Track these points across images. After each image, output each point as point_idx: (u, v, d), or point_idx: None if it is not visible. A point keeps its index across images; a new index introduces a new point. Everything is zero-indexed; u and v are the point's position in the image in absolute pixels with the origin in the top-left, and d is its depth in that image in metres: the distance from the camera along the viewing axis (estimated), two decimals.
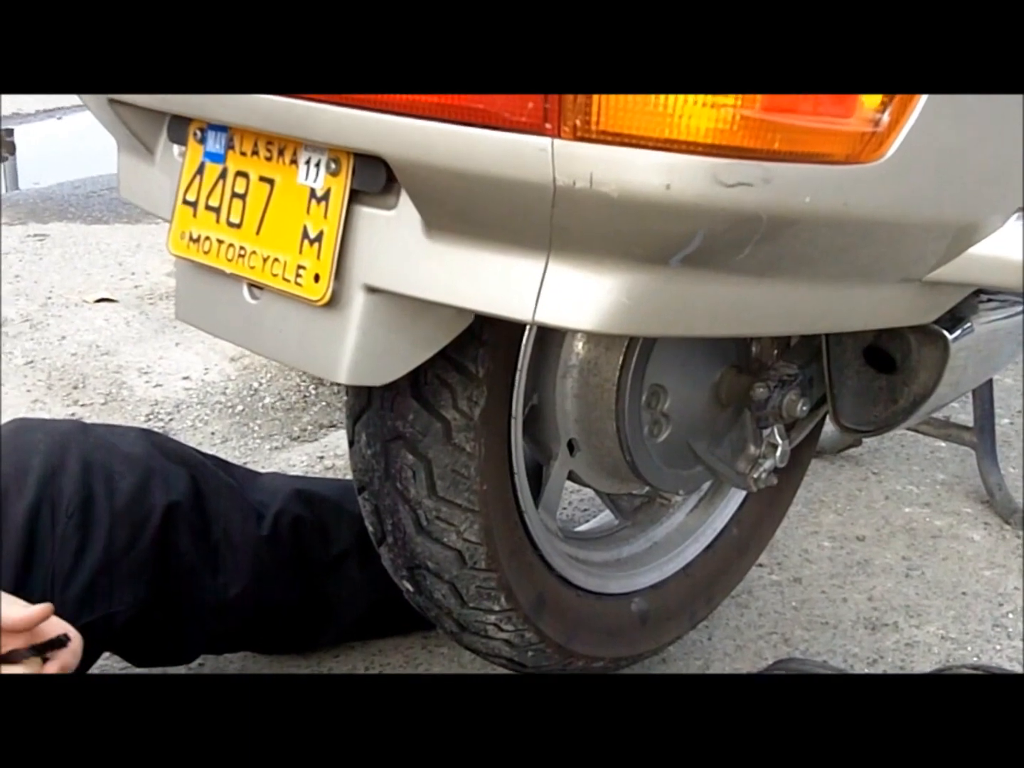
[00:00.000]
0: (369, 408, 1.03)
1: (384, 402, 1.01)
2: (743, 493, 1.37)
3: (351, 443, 1.07)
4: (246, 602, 1.20)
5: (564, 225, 0.77)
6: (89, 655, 1.16)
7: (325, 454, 1.87)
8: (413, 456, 1.01)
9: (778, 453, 1.27)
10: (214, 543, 1.18)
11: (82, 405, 2.02)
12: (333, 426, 1.98)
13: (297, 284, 0.89)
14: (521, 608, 1.08)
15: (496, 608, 1.06)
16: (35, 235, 3.10)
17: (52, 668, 0.93)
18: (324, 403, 2.06)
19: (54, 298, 2.57)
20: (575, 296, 0.80)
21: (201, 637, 1.21)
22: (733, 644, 1.40)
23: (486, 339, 0.98)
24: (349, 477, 1.52)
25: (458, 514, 1.02)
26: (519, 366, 1.04)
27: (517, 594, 1.07)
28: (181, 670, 1.27)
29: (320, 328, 0.88)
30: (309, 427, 1.98)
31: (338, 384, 1.01)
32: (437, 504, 1.02)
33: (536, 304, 0.81)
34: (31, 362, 2.22)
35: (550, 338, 1.12)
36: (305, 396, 2.09)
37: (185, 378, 2.15)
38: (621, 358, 1.12)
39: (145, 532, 1.13)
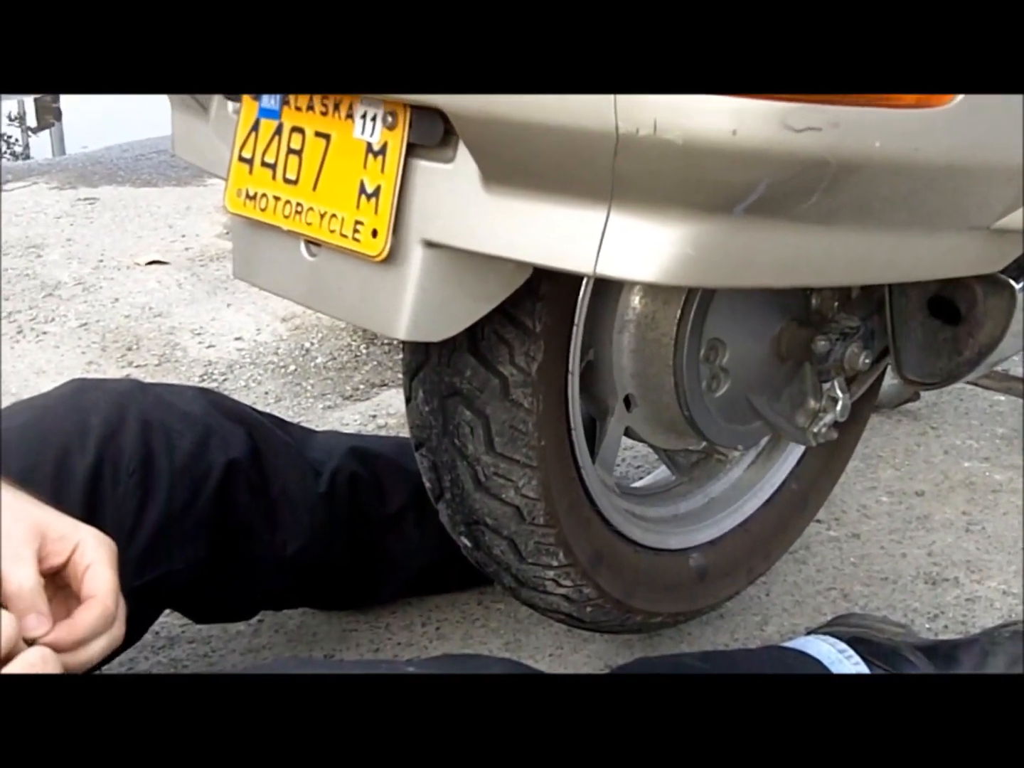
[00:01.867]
0: (426, 364, 1.02)
1: (441, 358, 1.01)
2: (802, 448, 1.36)
3: (408, 400, 1.07)
4: (304, 559, 1.20)
5: (626, 174, 0.75)
6: (150, 613, 1.18)
7: (378, 413, 1.87)
8: (471, 412, 1.00)
9: (838, 407, 1.25)
10: (272, 500, 1.19)
11: (136, 366, 2.04)
12: (385, 385, 1.98)
13: (355, 240, 0.88)
14: (579, 564, 1.08)
15: (554, 564, 1.06)
16: (85, 199, 3.12)
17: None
18: (375, 362, 2.07)
19: (106, 261, 2.59)
20: (637, 247, 0.79)
21: (260, 593, 1.22)
22: (791, 600, 1.39)
23: (543, 294, 0.97)
24: (403, 435, 1.52)
25: (516, 470, 1.01)
26: (576, 321, 1.03)
27: (575, 550, 1.07)
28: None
29: (378, 284, 0.87)
30: (361, 386, 1.98)
31: (396, 340, 1.01)
32: (495, 460, 1.01)
33: (597, 256, 0.80)
34: (85, 324, 2.24)
35: (607, 292, 1.11)
36: (356, 356, 2.09)
37: (237, 339, 2.16)
38: (679, 312, 1.10)
39: (205, 490, 1.14)
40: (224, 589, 1.19)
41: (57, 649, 0.76)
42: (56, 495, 1.06)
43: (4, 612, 0.72)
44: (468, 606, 1.36)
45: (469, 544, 1.09)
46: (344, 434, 1.39)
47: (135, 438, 1.11)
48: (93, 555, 0.82)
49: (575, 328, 1.03)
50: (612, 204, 0.79)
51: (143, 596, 1.12)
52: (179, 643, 1.31)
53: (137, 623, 1.16)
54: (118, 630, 0.82)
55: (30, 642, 0.77)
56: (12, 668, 0.70)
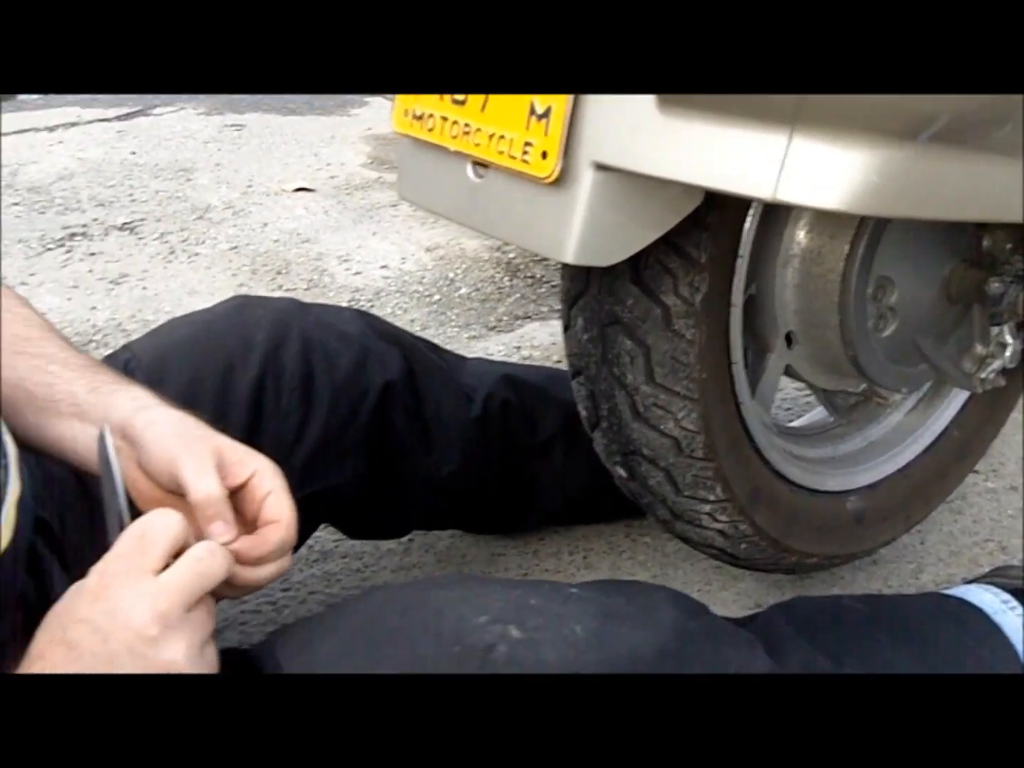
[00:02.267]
0: (586, 292, 1.01)
1: (602, 286, 1.00)
2: (965, 394, 1.31)
3: (566, 327, 1.06)
4: (456, 481, 1.22)
5: (810, 97, 0.73)
6: (307, 527, 1.21)
7: (522, 345, 1.87)
8: (631, 341, 0.99)
9: (1008, 353, 1.20)
10: (426, 422, 1.20)
11: (286, 290, 2.08)
12: (528, 318, 1.98)
13: (524, 162, 0.87)
14: (737, 499, 1.06)
15: (711, 498, 1.05)
16: (232, 125, 3.18)
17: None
18: (519, 295, 2.07)
19: (254, 186, 2.64)
20: (820, 173, 0.76)
21: (413, 513, 1.24)
22: (947, 550, 1.35)
23: (709, 223, 0.95)
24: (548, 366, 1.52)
25: (676, 401, 1.00)
26: (740, 253, 1.01)
27: (733, 485, 1.05)
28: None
29: (546, 207, 0.86)
30: (505, 318, 1.98)
31: (560, 263, 1.00)
32: (655, 391, 1.00)
33: (777, 181, 0.77)
34: (235, 248, 2.29)
35: (772, 225, 1.08)
36: (500, 288, 2.10)
37: (383, 267, 2.18)
38: (847, 247, 1.07)
39: (363, 409, 1.15)
40: (379, 507, 1.21)
41: (240, 557, 0.77)
42: (221, 408, 1.09)
43: (168, 510, 0.72)
44: (615, 537, 1.36)
45: (624, 474, 1.08)
46: (495, 361, 1.40)
47: (296, 355, 1.13)
48: (272, 484, 0.82)
49: (739, 260, 1.01)
50: (795, 128, 0.76)
51: (301, 510, 1.14)
52: (332, 557, 1.35)
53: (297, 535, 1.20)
54: (288, 562, 0.82)
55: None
56: (180, 562, 0.70)
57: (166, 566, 0.70)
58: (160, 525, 0.70)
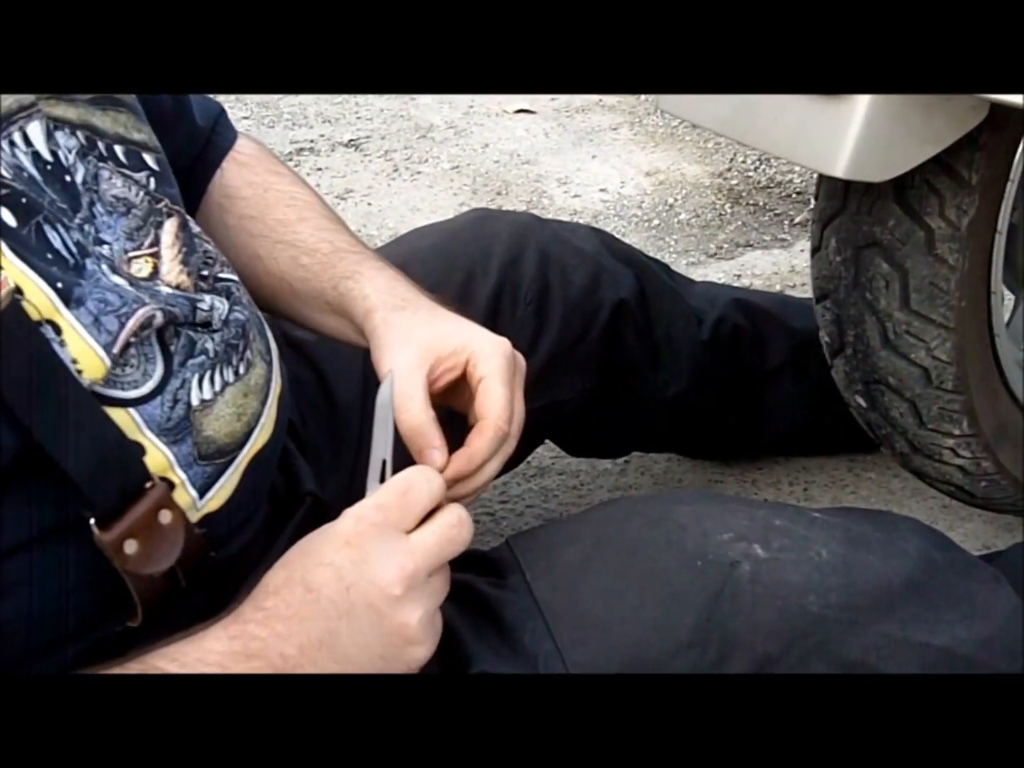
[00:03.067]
0: (843, 212, 0.98)
1: (861, 206, 0.96)
2: None
3: (815, 249, 1.03)
4: (682, 402, 1.21)
5: None
6: (532, 440, 1.22)
7: (742, 273, 1.83)
8: (888, 265, 0.95)
9: None
10: (656, 343, 1.19)
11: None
12: (749, 246, 1.94)
13: None
14: (982, 435, 1.02)
15: (956, 432, 1.01)
16: None
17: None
18: (740, 222, 2.02)
19: (476, 107, 2.65)
20: None
21: (636, 432, 1.24)
22: None
23: (985, 143, 0.90)
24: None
25: (930, 330, 0.96)
26: (1011, 177, 0.95)
27: (980, 420, 1.01)
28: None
29: (820, 119, 0.83)
30: (725, 245, 1.94)
31: (818, 182, 0.97)
32: (909, 317, 0.96)
33: None
34: (456, 167, 2.31)
35: None
36: (720, 215, 2.05)
37: (602, 190, 2.17)
38: None
39: (595, 325, 1.15)
40: (602, 425, 1.21)
41: (458, 478, 0.76)
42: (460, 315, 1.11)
43: (431, 471, 0.71)
44: (837, 471, 1.32)
45: (864, 404, 1.05)
46: (725, 285, 1.37)
47: (533, 268, 1.14)
48: (486, 368, 0.79)
49: (1010, 184, 0.95)
50: None
51: (528, 423, 1.16)
52: (549, 474, 1.36)
53: (520, 449, 1.21)
54: (510, 447, 0.80)
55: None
56: (433, 526, 0.68)
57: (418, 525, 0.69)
58: (424, 486, 0.69)
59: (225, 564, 0.76)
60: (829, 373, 1.10)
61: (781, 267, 1.78)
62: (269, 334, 0.83)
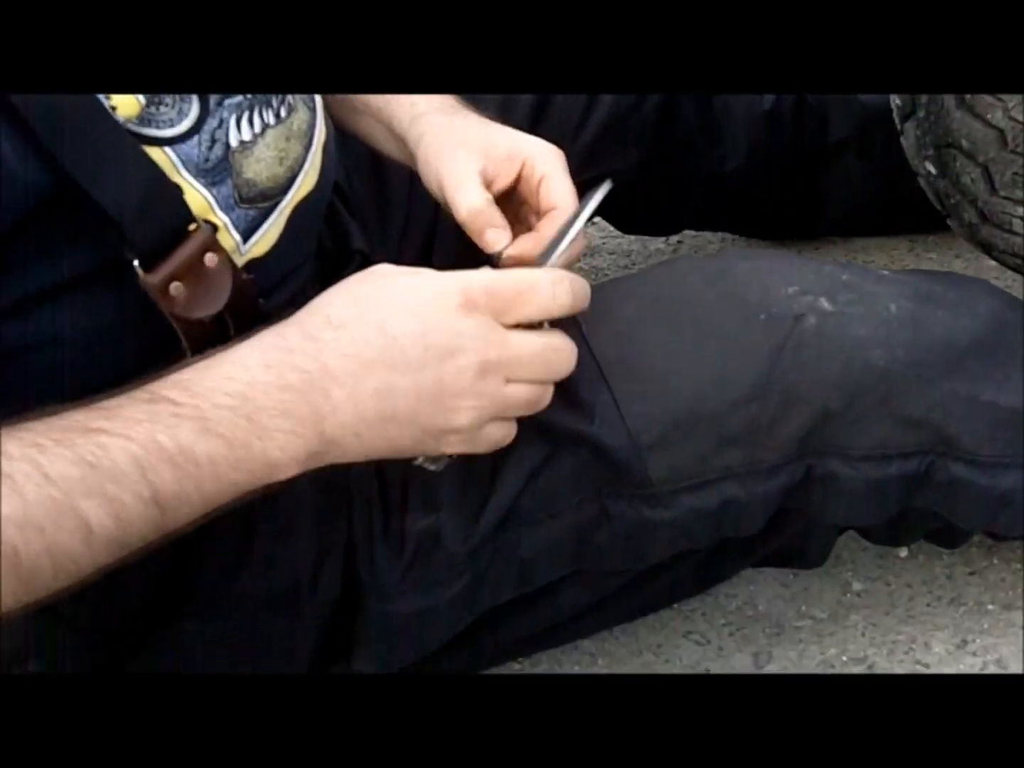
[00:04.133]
0: None
1: None
2: None
3: None
4: (740, 177, 1.17)
5: None
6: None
7: None
8: None
9: None
10: (715, 113, 1.15)
11: None
12: None
13: None
14: None
15: None
16: None
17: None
18: None
19: None
20: None
21: (689, 209, 1.21)
22: None
23: None
24: None
25: None
26: None
27: None
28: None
29: None
30: None
31: None
32: None
33: None
34: None
35: None
36: None
37: None
38: None
39: (649, 96, 1.11)
40: (656, 199, 1.18)
41: (524, 262, 0.73)
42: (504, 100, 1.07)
43: (562, 281, 0.67)
44: (897, 251, 1.28)
45: (934, 171, 1.00)
46: None
47: None
48: (545, 167, 0.77)
49: None
50: None
51: (583, 194, 1.13)
52: (600, 253, 1.34)
53: None
54: (579, 245, 0.77)
55: (497, 260, 0.75)
56: (538, 338, 0.66)
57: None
58: (547, 295, 0.66)
59: (274, 314, 0.75)
60: (894, 151, 1.05)
61: None
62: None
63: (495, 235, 0.75)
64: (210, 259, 0.66)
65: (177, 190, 0.65)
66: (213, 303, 0.66)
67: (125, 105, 0.62)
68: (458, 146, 0.78)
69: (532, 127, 1.07)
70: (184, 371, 0.61)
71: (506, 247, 0.75)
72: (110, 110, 0.61)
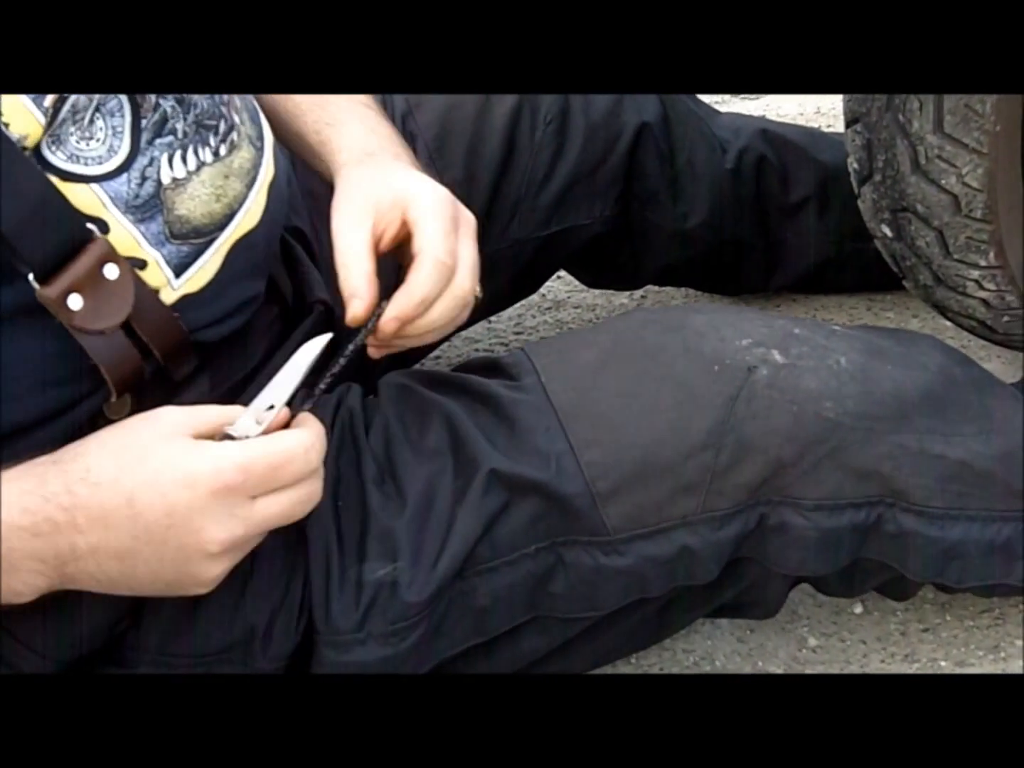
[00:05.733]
0: None
1: None
2: None
3: None
4: (701, 235, 1.19)
5: None
6: (547, 268, 1.21)
7: (767, 113, 1.78)
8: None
9: None
10: (678, 170, 1.17)
11: None
12: None
13: None
14: (1008, 268, 1.00)
15: (982, 263, 0.99)
16: None
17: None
18: None
19: None
20: None
21: (652, 264, 1.22)
22: None
23: None
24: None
25: (963, 155, 0.93)
26: None
27: (1007, 251, 0.99)
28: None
29: None
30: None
31: None
32: (941, 141, 0.93)
33: None
34: None
35: None
36: None
37: None
38: None
39: (616, 149, 1.12)
40: (620, 254, 1.20)
41: (402, 318, 0.74)
42: (475, 138, 1.08)
43: (315, 445, 0.66)
44: (856, 310, 1.31)
45: (890, 234, 1.03)
46: (752, 116, 1.33)
47: None
48: (416, 212, 0.77)
49: None
50: None
51: (545, 249, 1.15)
52: (565, 307, 1.35)
53: (534, 277, 1.20)
54: (461, 288, 0.77)
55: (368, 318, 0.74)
56: (278, 500, 0.66)
57: None
58: (300, 465, 0.65)
59: (218, 347, 0.76)
60: (853, 210, 1.08)
61: (807, 108, 1.73)
62: (264, 124, 0.82)
63: (351, 304, 0.75)
64: (111, 271, 0.67)
65: (70, 204, 0.66)
66: (114, 314, 0.68)
67: (21, 124, 0.63)
68: (350, 202, 0.79)
69: (498, 178, 1.10)
70: None
71: (362, 318, 0.75)
72: (2, 127, 0.62)
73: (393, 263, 0.81)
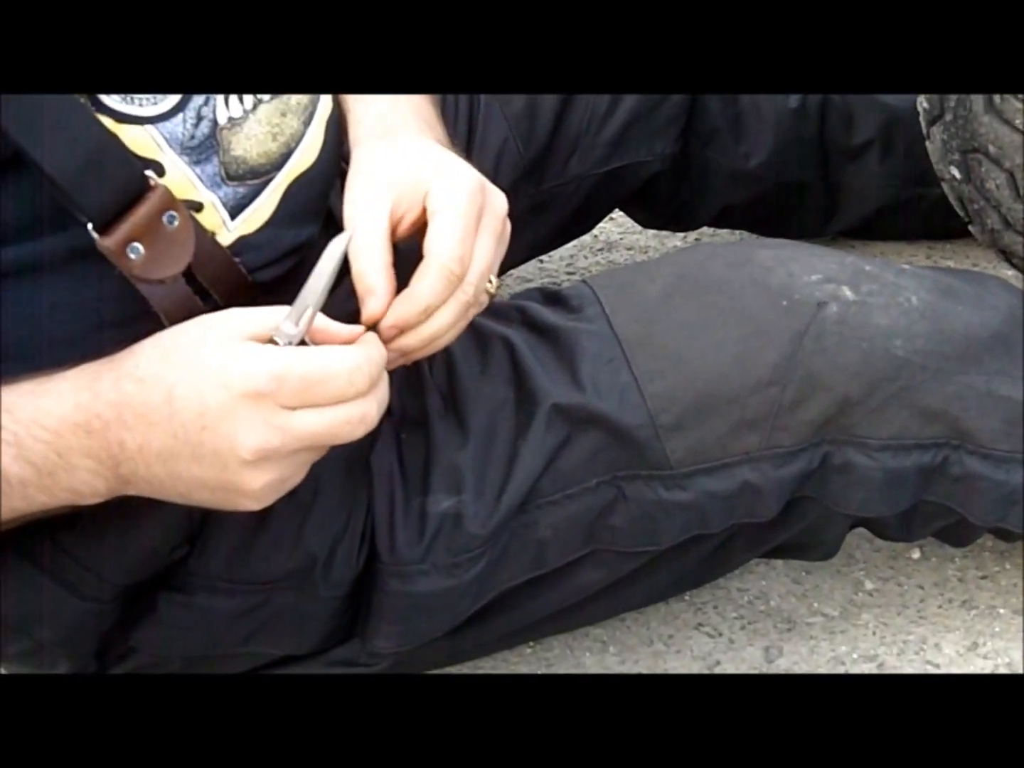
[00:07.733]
0: None
1: None
2: None
3: None
4: (763, 175, 1.17)
5: None
6: (605, 205, 1.20)
7: None
8: None
9: None
10: (741, 108, 1.15)
11: None
12: None
13: None
14: None
15: None
16: None
17: None
18: None
19: None
20: None
21: (710, 204, 1.21)
22: None
23: None
24: None
25: None
26: None
27: None
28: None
29: None
30: None
31: None
32: None
33: None
34: None
35: None
36: None
37: None
38: None
39: None
40: (679, 192, 1.19)
41: (402, 324, 0.68)
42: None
43: (362, 367, 0.62)
44: (915, 257, 1.29)
45: (959, 175, 1.01)
46: None
47: None
48: (438, 202, 0.69)
49: None
50: None
51: (603, 186, 1.14)
52: (617, 248, 1.34)
53: (589, 215, 1.19)
54: (467, 295, 0.69)
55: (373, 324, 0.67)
56: (321, 415, 0.61)
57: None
58: (341, 384, 0.61)
59: (274, 285, 0.74)
60: (916, 155, 1.06)
61: None
62: None
63: (366, 301, 0.68)
64: (171, 220, 0.66)
65: (125, 151, 0.64)
66: (175, 263, 0.66)
67: None
68: (368, 181, 0.72)
69: (559, 113, 1.09)
70: (16, 390, 0.62)
71: (377, 316, 0.68)
72: None
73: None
